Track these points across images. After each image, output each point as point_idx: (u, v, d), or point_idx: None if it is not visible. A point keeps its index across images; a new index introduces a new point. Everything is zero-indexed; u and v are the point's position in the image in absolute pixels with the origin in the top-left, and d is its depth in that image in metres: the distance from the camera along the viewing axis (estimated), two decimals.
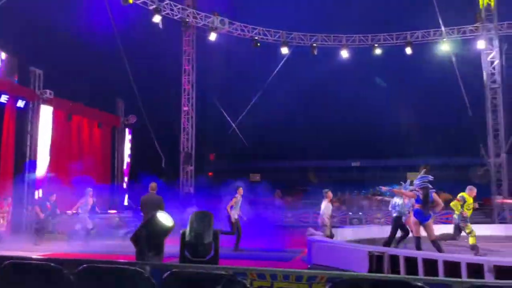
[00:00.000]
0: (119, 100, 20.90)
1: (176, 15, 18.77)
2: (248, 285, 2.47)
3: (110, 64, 18.57)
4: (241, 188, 11.69)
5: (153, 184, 9.86)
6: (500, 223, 16.58)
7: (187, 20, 19.08)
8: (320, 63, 20.52)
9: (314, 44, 19.81)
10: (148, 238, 6.91)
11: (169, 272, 2.52)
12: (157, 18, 17.51)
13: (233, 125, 20.87)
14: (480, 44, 18.62)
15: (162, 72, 20.96)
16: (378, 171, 24.75)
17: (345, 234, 13.95)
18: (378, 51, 19.70)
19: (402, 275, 7.70)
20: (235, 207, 11.50)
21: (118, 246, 12.69)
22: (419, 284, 2.41)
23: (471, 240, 10.20)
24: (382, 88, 23.15)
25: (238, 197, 11.57)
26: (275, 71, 20.11)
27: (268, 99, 21.36)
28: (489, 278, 6.82)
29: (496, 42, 18.57)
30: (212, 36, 18.94)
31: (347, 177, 26.30)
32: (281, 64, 19.95)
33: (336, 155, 27.45)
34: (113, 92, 20.62)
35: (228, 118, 20.90)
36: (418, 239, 9.59)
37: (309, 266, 9.63)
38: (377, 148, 25.69)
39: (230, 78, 23.42)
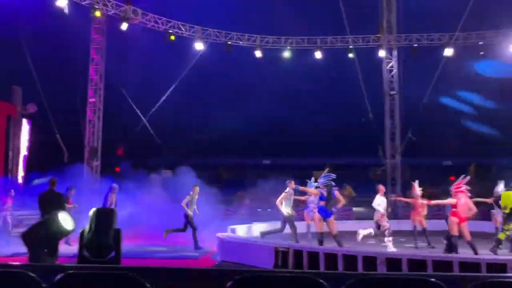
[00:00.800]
0: (15, 87, 19.15)
1: (84, 1, 17.67)
2: (147, 285, 2.39)
3: (6, 49, 16.98)
4: (197, 187, 12.31)
5: (52, 179, 9.19)
6: (393, 218, 18.07)
7: (96, 7, 18.04)
8: (235, 61, 20.70)
9: (229, 42, 19.91)
10: (45, 239, 6.40)
11: (62, 274, 2.35)
12: (62, 2, 16.30)
13: (144, 119, 20.22)
14: (381, 53, 20.12)
15: (69, 61, 19.62)
16: (288, 169, 25.68)
17: (256, 229, 14.23)
18: (287, 54, 20.35)
19: (305, 269, 8.07)
20: (191, 204, 11.90)
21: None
22: (316, 278, 2.52)
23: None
24: (294, 89, 24.00)
25: (193, 195, 12.01)
26: (189, 67, 19.87)
27: (183, 94, 21.06)
28: (381, 270, 7.41)
29: (395, 53, 20.20)
30: (124, 26, 18.15)
31: (259, 175, 26.85)
32: (195, 60, 19.74)
33: (249, 153, 27.93)
34: (9, 79, 18.86)
35: (139, 112, 20.19)
36: (321, 234, 10.10)
37: (217, 262, 9.68)
38: (288, 147, 26.60)
39: (142, 71, 22.66)
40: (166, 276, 2.95)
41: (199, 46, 19.35)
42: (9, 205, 13.57)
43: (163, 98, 20.05)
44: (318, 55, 20.13)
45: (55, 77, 20.07)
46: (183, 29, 19.52)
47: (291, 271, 5.80)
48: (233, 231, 12.20)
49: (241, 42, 20.28)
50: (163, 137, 21.20)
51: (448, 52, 19.12)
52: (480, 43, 19.30)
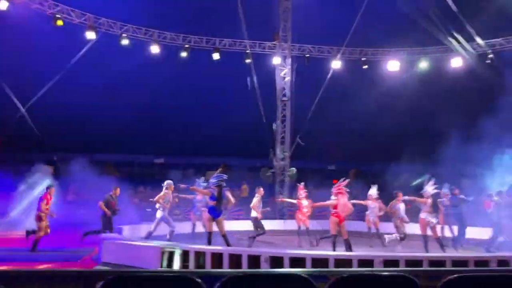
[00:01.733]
0: None
1: None
2: None
3: None
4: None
5: None
6: (280, 219, 18.91)
7: None
8: (129, 55, 19.84)
9: (124, 34, 19.06)
10: None
11: None
12: None
13: (23, 110, 18.39)
14: (276, 61, 20.94)
15: None
16: (182, 168, 25.41)
17: (142, 230, 13.80)
18: (184, 54, 20.14)
19: (191, 269, 8.04)
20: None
21: None
22: (192, 277, 2.52)
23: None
24: (185, 88, 23.78)
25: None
26: (77, 57, 18.55)
27: (68, 85, 19.59)
28: (264, 267, 7.69)
29: (289, 61, 21.17)
30: (3, 5, 16.32)
31: (149, 173, 26.12)
32: (84, 49, 18.48)
33: (139, 150, 27.07)
34: None
35: (16, 101, 18.31)
36: (210, 234, 10.16)
37: (98, 265, 9.20)
38: (181, 145, 26.31)
39: (24, 56, 20.63)
40: (25, 279, 2.73)
41: (90, 35, 18.18)
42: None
43: (45, 89, 18.44)
44: (216, 56, 20.24)
45: None
46: (73, 15, 18.19)
47: (165, 270, 5.74)
48: (119, 231, 11.72)
49: (136, 36, 19.54)
50: (49, 131, 19.51)
51: (336, 64, 20.57)
52: (363, 59, 21.12)
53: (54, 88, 18.63)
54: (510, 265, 7.44)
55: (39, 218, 11.03)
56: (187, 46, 20.21)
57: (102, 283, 2.26)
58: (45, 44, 18.65)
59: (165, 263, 8.47)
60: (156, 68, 21.56)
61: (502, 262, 7.51)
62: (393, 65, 20.37)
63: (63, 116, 22.47)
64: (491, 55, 18.67)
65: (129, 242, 9.43)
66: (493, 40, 18.88)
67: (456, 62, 19.33)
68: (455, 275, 2.71)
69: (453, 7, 15.96)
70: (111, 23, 19.04)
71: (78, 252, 10.71)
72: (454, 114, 18.01)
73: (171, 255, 8.54)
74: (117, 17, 19.24)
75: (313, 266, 7.62)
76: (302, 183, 13.33)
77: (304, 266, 7.58)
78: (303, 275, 2.70)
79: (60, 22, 17.39)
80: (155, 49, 19.43)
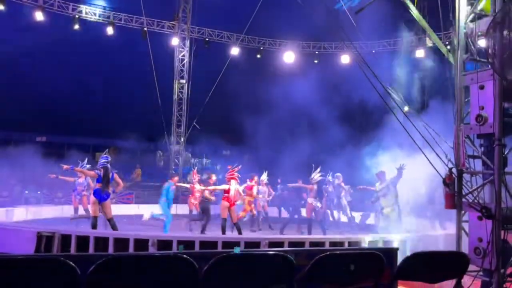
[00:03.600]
0: None
1: None
2: None
3: None
4: None
5: None
6: (175, 203, 18.66)
7: None
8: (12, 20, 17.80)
9: (77, 16, 17.12)
10: None
11: None
12: None
13: None
14: (174, 41, 20.44)
15: None
16: (66, 148, 23.65)
17: (19, 214, 12.66)
18: (76, 26, 18.68)
19: (72, 253, 7.58)
20: None
21: None
22: (65, 260, 2.38)
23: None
24: (82, 63, 22.12)
25: None
26: None
27: None
28: (152, 251, 7.56)
29: (187, 42, 20.80)
30: None
31: (30, 152, 23.94)
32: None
33: (20, 127, 24.60)
34: None
35: None
36: (95, 218, 9.66)
37: None
38: (67, 125, 24.51)
39: None
40: None
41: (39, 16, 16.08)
42: None
43: None
44: (110, 31, 19.09)
45: None
46: None
47: (36, 254, 5.36)
48: None
49: (20, 2, 17.56)
50: None
51: (234, 51, 20.74)
52: (261, 48, 21.60)
53: None
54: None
55: None
56: (77, 16, 18.72)
57: None
58: None
59: (42, 248, 7.86)
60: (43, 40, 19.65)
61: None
62: (288, 57, 21.13)
63: None
64: None
65: (2, 226, 8.56)
66: None
67: (345, 59, 20.72)
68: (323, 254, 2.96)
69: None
70: (62, 3, 17.09)
71: None
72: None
73: (49, 239, 7.95)
74: None
75: (201, 249, 7.68)
76: (195, 168, 13.33)
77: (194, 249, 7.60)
78: (186, 256, 2.70)
79: None
80: (39, 16, 17.63)
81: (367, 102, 14.92)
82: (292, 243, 7.97)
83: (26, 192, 16.96)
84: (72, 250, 7.90)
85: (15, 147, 23.14)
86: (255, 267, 2.95)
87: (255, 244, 8.00)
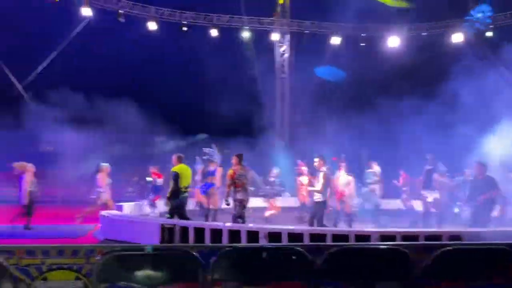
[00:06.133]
0: None
1: None
2: (5, 264, 2.23)
3: None
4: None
5: None
6: None
7: None
8: (126, 32, 19.56)
9: (121, 11, 18.78)
10: None
11: None
12: None
13: (19, 86, 18.29)
14: (274, 37, 20.73)
15: None
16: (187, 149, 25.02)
17: (142, 208, 13.92)
18: (184, 28, 19.87)
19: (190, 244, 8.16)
20: None
21: None
22: (188, 250, 2.59)
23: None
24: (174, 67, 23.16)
25: None
26: (73, 34, 18.33)
27: (66, 63, 19.40)
28: (263, 243, 7.81)
29: (288, 37, 20.95)
30: None
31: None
32: (80, 27, 18.23)
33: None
34: None
35: (15, 81, 18.21)
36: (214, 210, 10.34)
37: (99, 241, 9.33)
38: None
39: (19, 37, 20.32)
40: (42, 253, 2.79)
41: (86, 12, 17.92)
42: None
43: (41, 67, 18.29)
44: (214, 33, 20.01)
45: None
46: None
47: (161, 245, 5.84)
48: (119, 208, 11.83)
49: (134, 12, 19.29)
50: None
51: (336, 40, 20.35)
52: (363, 34, 20.85)
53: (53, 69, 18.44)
54: None
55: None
56: (184, 22, 19.94)
57: (105, 257, 2.32)
58: (41, 21, 18.34)
59: (165, 239, 8.58)
60: (157, 47, 21.14)
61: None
62: (393, 41, 20.11)
63: None
64: None
65: (129, 219, 9.54)
66: None
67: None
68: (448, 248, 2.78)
69: None
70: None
71: (79, 229, 10.83)
72: None
73: (170, 231, 8.65)
74: None
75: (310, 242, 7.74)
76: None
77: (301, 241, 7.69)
78: (299, 248, 2.77)
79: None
80: (152, 25, 19.19)
81: None
82: (405, 237, 7.63)
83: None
84: (191, 240, 8.51)
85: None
86: (366, 261, 2.90)
87: (365, 237, 7.83)
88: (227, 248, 2.50)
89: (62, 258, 3.04)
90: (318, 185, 9.12)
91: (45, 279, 2.95)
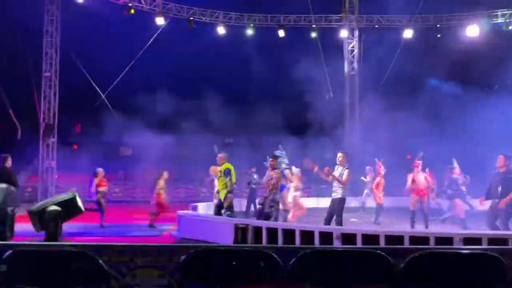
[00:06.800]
0: None
1: None
2: (100, 261, 2.40)
3: None
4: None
5: (5, 156, 8.84)
6: None
7: None
8: (197, 38, 20.24)
9: (191, 18, 19.49)
10: (63, 216, 6.51)
11: (10, 251, 2.32)
12: None
13: (103, 95, 19.64)
14: (343, 33, 20.33)
15: (20, 33, 18.59)
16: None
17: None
18: (250, 31, 20.10)
19: (263, 244, 8.24)
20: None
21: None
22: (268, 251, 2.61)
23: None
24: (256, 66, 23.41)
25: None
26: (149, 42, 19.27)
27: (142, 70, 20.48)
28: (337, 244, 7.69)
29: (356, 33, 20.46)
30: None
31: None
32: (155, 34, 19.14)
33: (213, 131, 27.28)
34: None
35: (97, 88, 19.56)
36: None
37: (177, 240, 9.73)
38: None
39: (100, 45, 21.81)
40: (118, 252, 2.97)
41: (160, 21, 18.81)
42: None
43: (121, 74, 19.43)
44: (281, 33, 20.07)
45: (7, 50, 19.04)
46: (143, 2, 18.92)
47: (242, 245, 5.93)
48: (194, 208, 12.25)
49: (203, 18, 19.91)
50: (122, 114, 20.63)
51: (408, 33, 19.53)
52: (438, 25, 19.79)
53: (128, 76, 19.52)
54: None
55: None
56: (252, 25, 20.20)
57: (185, 257, 2.42)
58: (120, 31, 19.52)
59: (238, 238, 8.75)
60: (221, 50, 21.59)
61: None
62: (472, 30, 18.83)
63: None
64: None
65: (204, 218, 9.85)
66: None
67: None
68: None
69: None
70: (178, 7, 19.55)
71: (157, 228, 11.35)
72: None
73: (244, 231, 8.80)
74: (184, 1, 19.69)
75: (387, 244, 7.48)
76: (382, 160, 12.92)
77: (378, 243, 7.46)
78: (379, 251, 2.68)
79: (132, 11, 18.17)
80: (221, 30, 19.68)
81: None
82: (492, 240, 7.12)
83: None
84: (264, 241, 8.60)
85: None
86: (453, 266, 2.73)
87: (447, 240, 7.41)
88: (307, 250, 2.49)
89: (147, 257, 3.21)
90: (343, 181, 8.72)
91: (133, 276, 3.14)
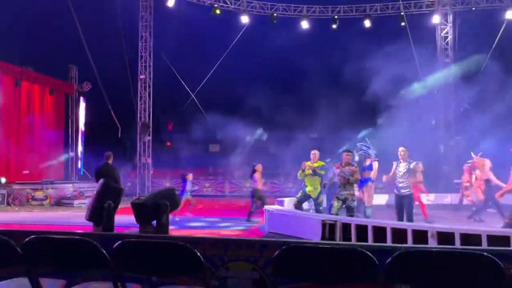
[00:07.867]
0: (71, 66, 20.09)
1: None
2: (198, 254, 2.50)
3: (60, 28, 17.65)
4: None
5: (108, 154, 9.62)
6: None
7: None
8: (280, 34, 20.30)
9: (275, 14, 19.61)
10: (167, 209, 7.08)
11: (120, 242, 2.51)
12: None
13: (192, 95, 20.57)
14: (435, 19, 19.07)
15: (119, 39, 20.11)
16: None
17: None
18: (334, 24, 19.66)
19: (353, 242, 8.06)
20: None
21: (73, 216, 12.56)
22: (363, 250, 2.54)
23: None
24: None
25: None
26: (235, 40, 19.77)
27: (228, 68, 21.04)
28: (432, 244, 7.26)
29: (450, 18, 19.08)
30: (170, 2, 18.34)
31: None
32: (241, 33, 19.59)
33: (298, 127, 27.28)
34: (65, 58, 19.74)
35: (187, 88, 20.54)
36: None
37: (265, 234, 9.87)
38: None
39: (189, 46, 22.81)
40: (213, 246, 3.08)
41: (244, 19, 19.21)
42: None
43: (210, 73, 20.18)
44: (367, 23, 19.41)
45: (107, 55, 20.70)
46: (228, 2, 19.43)
47: (337, 243, 5.85)
48: (281, 203, 12.33)
49: (286, 13, 19.93)
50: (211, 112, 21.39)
51: (510, 14, 17.79)
52: None
53: (216, 74, 20.19)
54: None
55: None
56: (336, 16, 19.81)
57: (278, 252, 2.43)
58: (206, 32, 20.25)
59: (326, 234, 8.64)
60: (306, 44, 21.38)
61: None
62: None
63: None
64: None
65: (292, 214, 9.87)
66: None
67: None
68: None
69: None
70: (262, 4, 19.78)
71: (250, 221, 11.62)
72: None
73: (332, 227, 8.67)
74: None
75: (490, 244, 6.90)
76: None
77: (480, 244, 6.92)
78: (484, 253, 2.47)
79: (218, 11, 18.78)
80: (305, 24, 19.55)
81: None
82: None
83: None
84: (353, 238, 8.40)
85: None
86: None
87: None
88: (403, 249, 2.37)
89: (240, 250, 3.30)
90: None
91: (226, 268, 3.24)
